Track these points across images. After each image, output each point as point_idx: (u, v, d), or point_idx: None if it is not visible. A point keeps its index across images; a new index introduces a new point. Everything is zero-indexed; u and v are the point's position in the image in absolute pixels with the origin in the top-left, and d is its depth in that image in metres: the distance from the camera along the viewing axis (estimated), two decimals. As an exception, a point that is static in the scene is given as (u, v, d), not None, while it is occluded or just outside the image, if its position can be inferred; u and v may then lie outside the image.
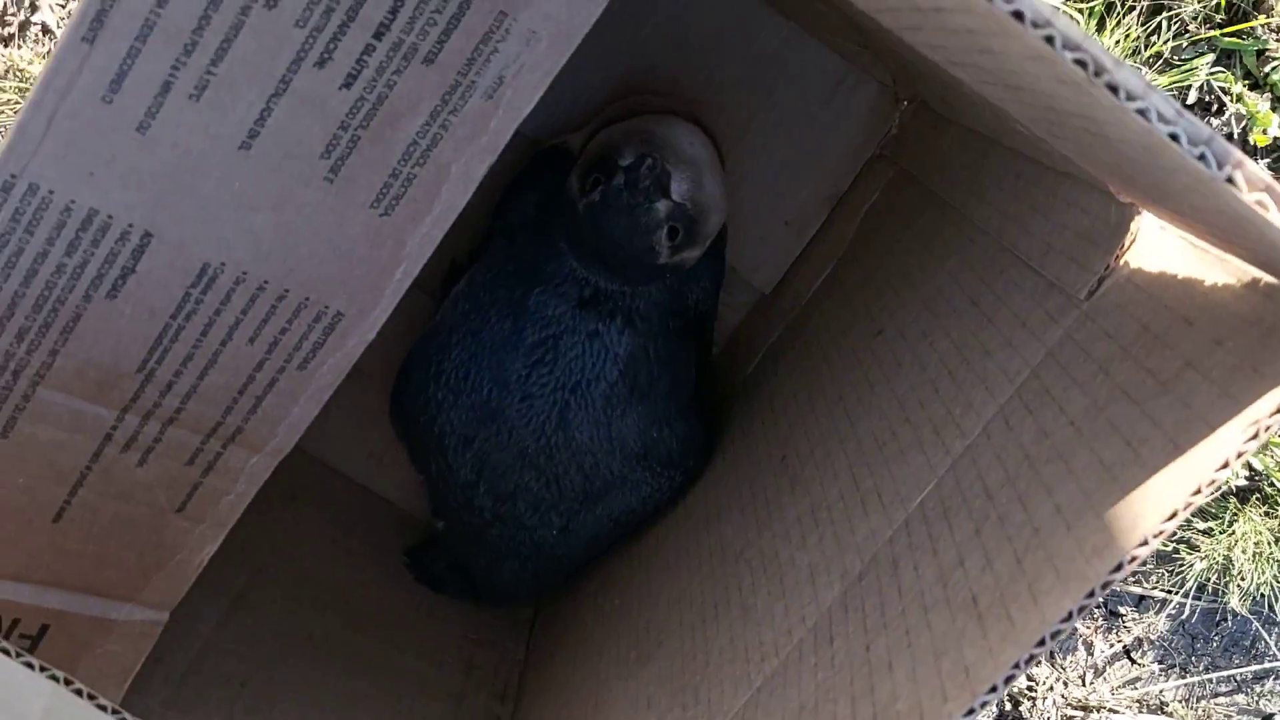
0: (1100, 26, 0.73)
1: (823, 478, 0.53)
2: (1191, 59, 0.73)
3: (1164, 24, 0.72)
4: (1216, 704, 0.89)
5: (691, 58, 0.76)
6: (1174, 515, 0.27)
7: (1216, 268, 0.33)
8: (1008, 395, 0.41)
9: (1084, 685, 0.86)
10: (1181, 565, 0.84)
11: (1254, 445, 0.27)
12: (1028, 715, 0.87)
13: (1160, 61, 0.74)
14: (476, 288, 0.69)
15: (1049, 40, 0.23)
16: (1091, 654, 0.87)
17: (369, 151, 0.44)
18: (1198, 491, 0.27)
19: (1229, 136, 0.74)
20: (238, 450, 0.51)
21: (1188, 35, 0.74)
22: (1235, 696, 0.89)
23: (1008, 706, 0.86)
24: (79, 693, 0.37)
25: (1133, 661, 0.88)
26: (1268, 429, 0.26)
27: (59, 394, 0.46)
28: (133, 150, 0.42)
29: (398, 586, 0.79)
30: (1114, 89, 0.24)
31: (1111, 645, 0.87)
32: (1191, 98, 0.73)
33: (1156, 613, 0.86)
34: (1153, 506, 0.28)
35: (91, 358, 0.46)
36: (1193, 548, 0.82)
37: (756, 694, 0.44)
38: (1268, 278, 0.29)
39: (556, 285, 0.65)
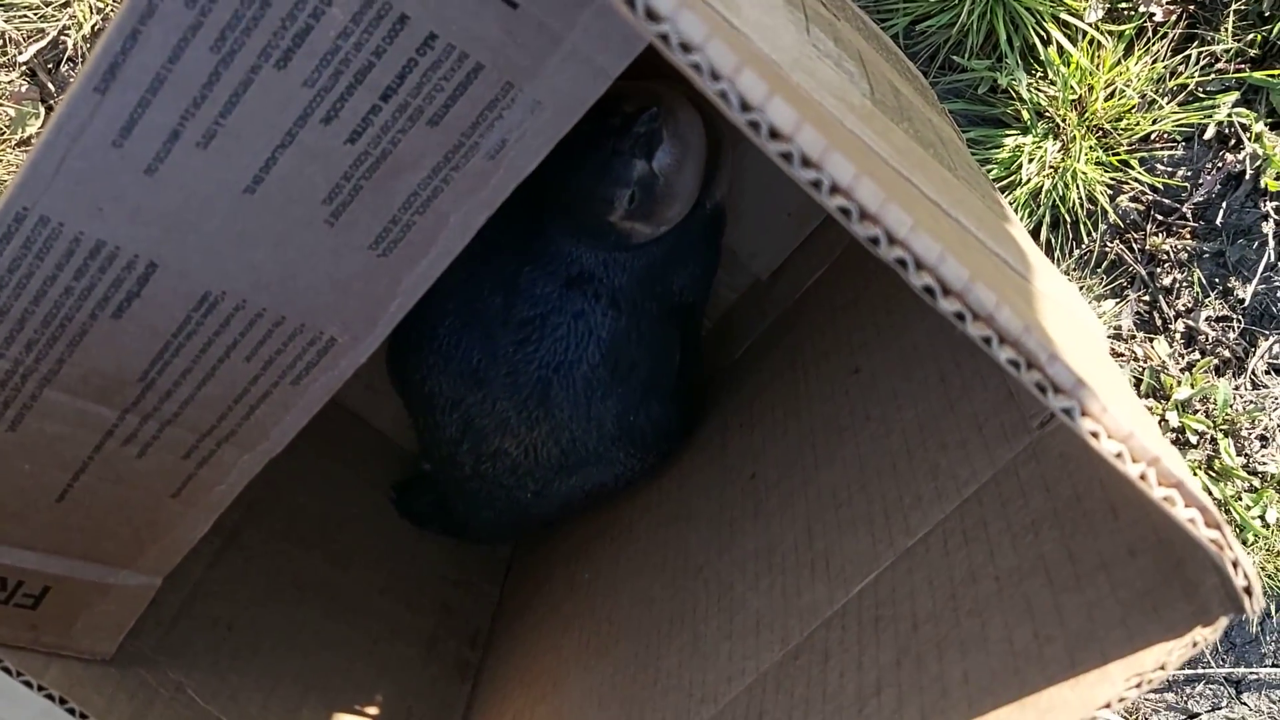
0: (1128, 51, 0.72)
1: (782, 517, 0.56)
2: (1217, 93, 0.72)
3: (1194, 56, 0.71)
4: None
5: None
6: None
7: (1160, 466, 0.35)
8: (953, 506, 0.43)
9: None
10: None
11: (1135, 693, 0.29)
12: None
13: (1184, 93, 0.73)
14: (472, 258, 0.70)
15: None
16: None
17: (370, 199, 0.45)
18: (1081, 728, 0.29)
19: (1240, 175, 0.74)
20: (231, 449, 0.53)
21: (1215, 70, 0.72)
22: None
23: None
24: (71, 711, 0.40)
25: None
26: (1150, 681, 0.29)
27: (64, 395, 0.48)
28: (140, 190, 0.43)
29: (383, 523, 0.83)
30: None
31: None
32: (1210, 132, 0.73)
33: None
34: (1053, 714, 0.31)
35: (96, 367, 0.48)
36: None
37: (690, 738, 0.48)
38: (1203, 543, 0.31)
39: (545, 264, 0.67)
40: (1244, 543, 0.82)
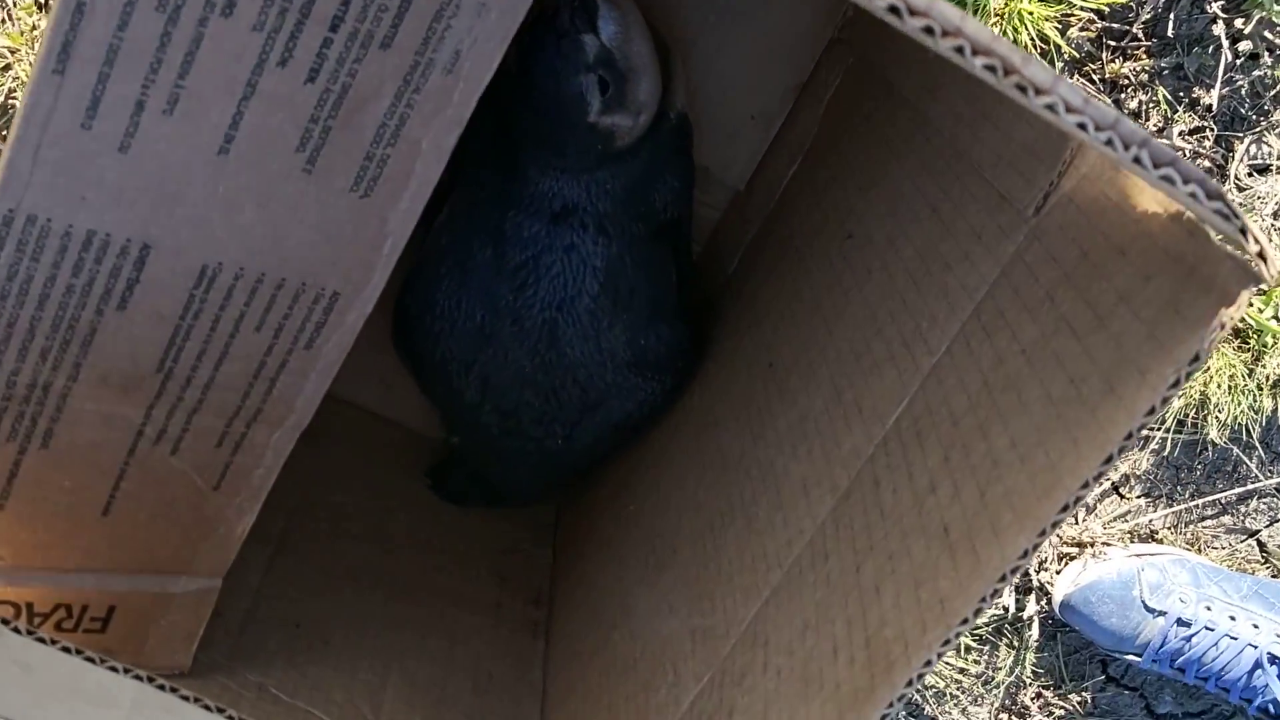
0: None
1: (808, 387, 0.57)
2: None
3: None
4: (1204, 527, 0.94)
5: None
6: (1109, 459, 0.30)
7: (1147, 194, 0.36)
8: (968, 313, 0.44)
9: (1076, 524, 0.92)
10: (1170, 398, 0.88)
11: (1175, 392, 0.29)
12: (1027, 557, 0.92)
13: None
14: (456, 218, 0.71)
15: (959, 51, 0.25)
16: (1083, 495, 0.92)
17: (341, 139, 0.46)
18: (1129, 436, 0.30)
19: None
20: (261, 428, 0.54)
21: None
22: (1221, 518, 0.94)
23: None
24: (161, 687, 0.41)
25: (1121, 496, 0.94)
26: (1187, 375, 0.29)
27: (88, 402, 0.49)
28: (118, 170, 0.43)
29: (425, 508, 0.84)
30: (1022, 88, 0.26)
31: (1100, 483, 0.92)
32: None
33: (1141, 449, 0.90)
34: (1092, 448, 0.31)
35: (113, 365, 0.48)
36: (1172, 387, 0.86)
37: (765, 606, 0.48)
38: (1208, 217, 0.31)
39: (527, 205, 0.67)
40: (1265, 346, 0.83)
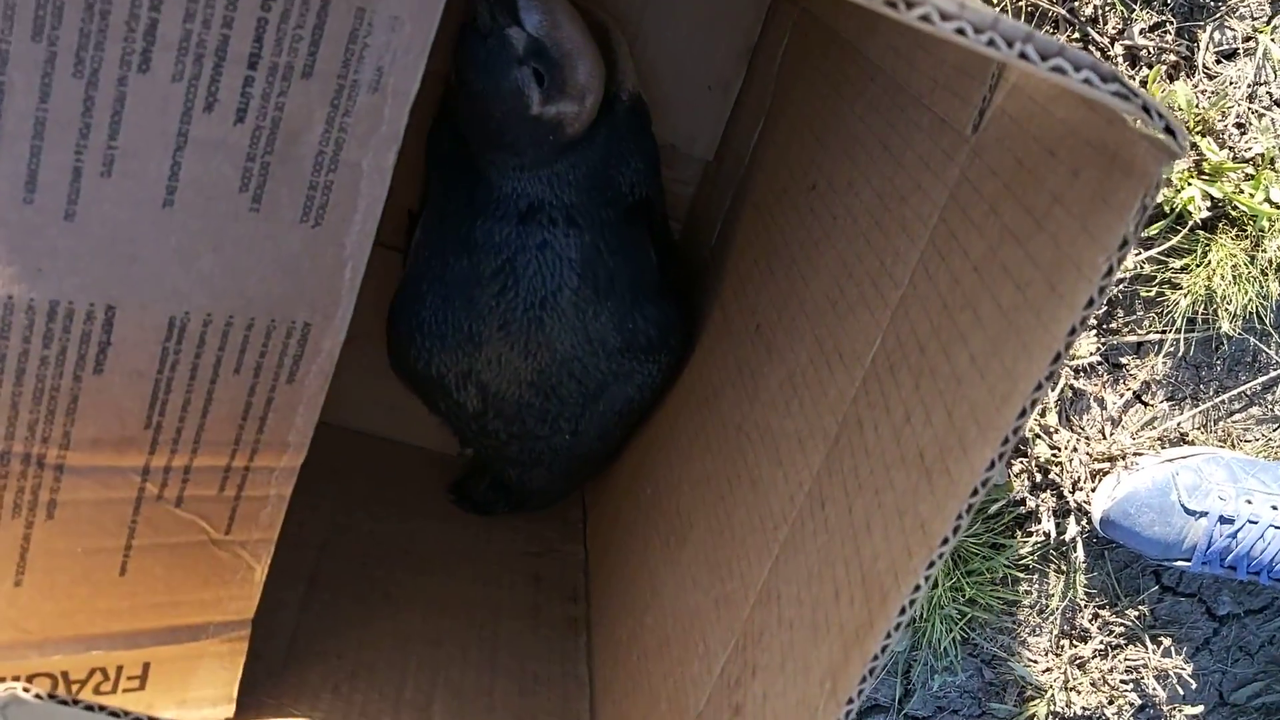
0: None
1: (792, 343, 0.56)
2: None
3: None
4: (1234, 422, 0.93)
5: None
6: (1057, 357, 0.30)
7: (1070, 94, 0.35)
8: (925, 241, 0.44)
9: (1104, 438, 0.90)
10: (1167, 304, 0.87)
11: (1109, 280, 0.29)
12: (1058, 479, 0.91)
13: None
14: (429, 233, 0.72)
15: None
16: (1105, 408, 0.91)
17: (282, 173, 0.46)
18: (1073, 331, 0.30)
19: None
20: (259, 467, 0.54)
21: None
22: (1250, 410, 0.92)
23: (1038, 477, 0.91)
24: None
25: (1145, 404, 0.92)
26: (1119, 261, 0.29)
27: (85, 467, 0.50)
28: (68, 238, 0.44)
29: (451, 525, 0.85)
30: (892, 4, 0.26)
31: (1121, 395, 0.91)
32: None
33: (1156, 354, 0.89)
34: (1041, 350, 0.31)
35: (101, 428, 0.49)
36: (1175, 286, 0.85)
37: (775, 563, 0.48)
38: (1107, 101, 0.31)
39: (493, 210, 0.68)
40: (1262, 231, 0.81)
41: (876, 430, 0.42)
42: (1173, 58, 0.80)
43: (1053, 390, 0.88)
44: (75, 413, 0.48)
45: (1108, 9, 0.78)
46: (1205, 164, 0.79)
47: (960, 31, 0.27)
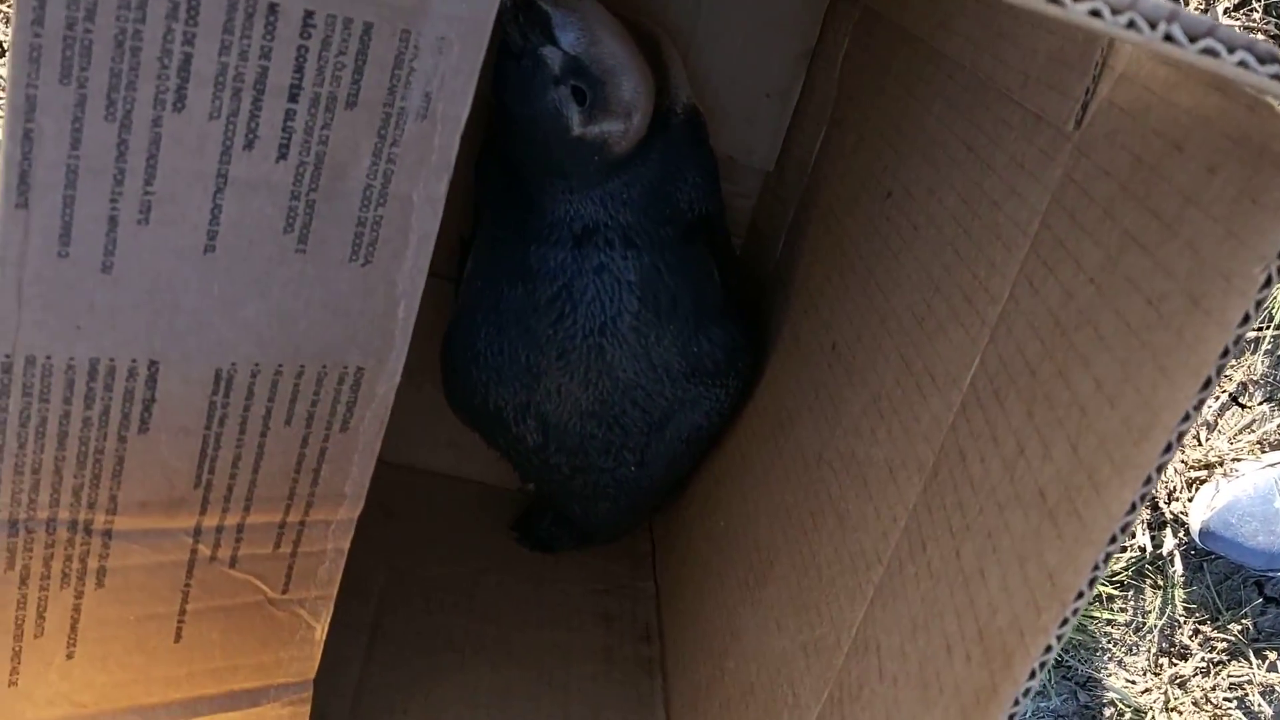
0: None
1: (875, 363, 0.53)
2: None
3: None
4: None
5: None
6: (1208, 383, 0.26)
7: (1192, 79, 0.31)
8: (1025, 250, 0.40)
9: (1200, 444, 0.85)
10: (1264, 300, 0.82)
11: (1268, 292, 0.25)
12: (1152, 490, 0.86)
13: None
14: (481, 262, 0.69)
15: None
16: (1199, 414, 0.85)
17: (328, 211, 0.44)
18: (1225, 353, 0.26)
19: None
20: (315, 521, 0.52)
21: None
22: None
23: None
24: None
25: (1242, 407, 0.87)
26: (1277, 271, 0.25)
27: (134, 532, 0.47)
28: (106, 291, 0.42)
29: (516, 562, 0.81)
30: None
31: (1216, 397, 0.85)
32: None
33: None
34: (1185, 374, 0.27)
35: (149, 490, 0.47)
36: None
37: (871, 607, 0.44)
38: (1248, 86, 0.27)
39: (547, 235, 0.64)
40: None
41: (983, 463, 0.38)
42: (1260, 38, 0.75)
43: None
44: (121, 475, 0.46)
45: (1186, -10, 0.74)
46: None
47: (1095, 14, 0.23)
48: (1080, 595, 0.28)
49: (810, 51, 0.76)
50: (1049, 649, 0.30)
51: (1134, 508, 0.28)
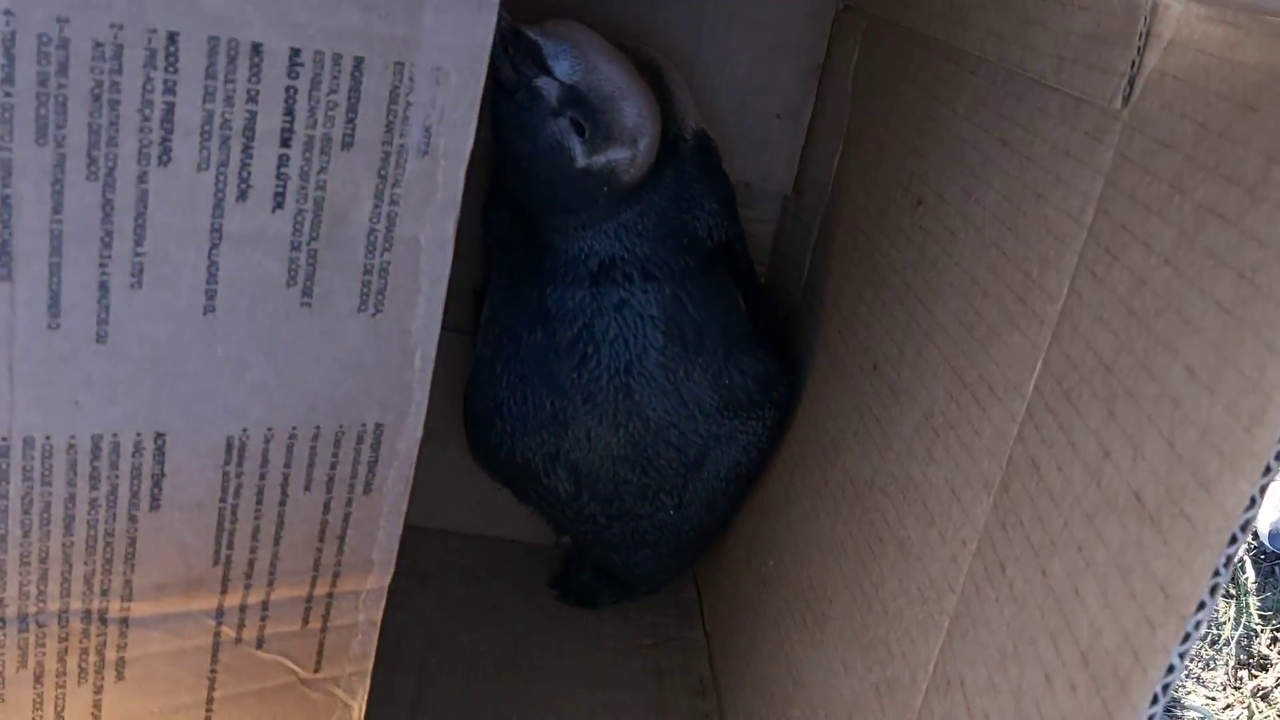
0: None
1: (923, 379, 0.49)
2: None
3: None
4: None
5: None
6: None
7: (1256, 33, 0.29)
8: (1081, 240, 0.37)
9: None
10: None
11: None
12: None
13: None
14: (497, 309, 0.67)
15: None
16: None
17: (331, 260, 0.41)
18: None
19: None
20: (344, 592, 0.49)
21: None
22: None
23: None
24: None
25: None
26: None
27: (152, 618, 0.45)
28: (103, 363, 0.39)
29: (558, 621, 0.78)
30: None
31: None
32: None
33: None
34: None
35: (165, 571, 0.44)
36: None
37: (948, 640, 0.41)
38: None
39: (563, 275, 0.62)
40: None
41: (1061, 471, 0.35)
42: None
43: None
44: (135, 558, 0.43)
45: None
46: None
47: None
48: (1202, 606, 0.25)
49: (820, 67, 0.73)
50: (1171, 669, 0.26)
51: (1253, 502, 0.24)
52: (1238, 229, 0.28)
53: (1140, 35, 0.36)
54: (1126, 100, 0.36)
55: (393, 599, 0.71)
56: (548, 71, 0.56)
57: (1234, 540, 0.25)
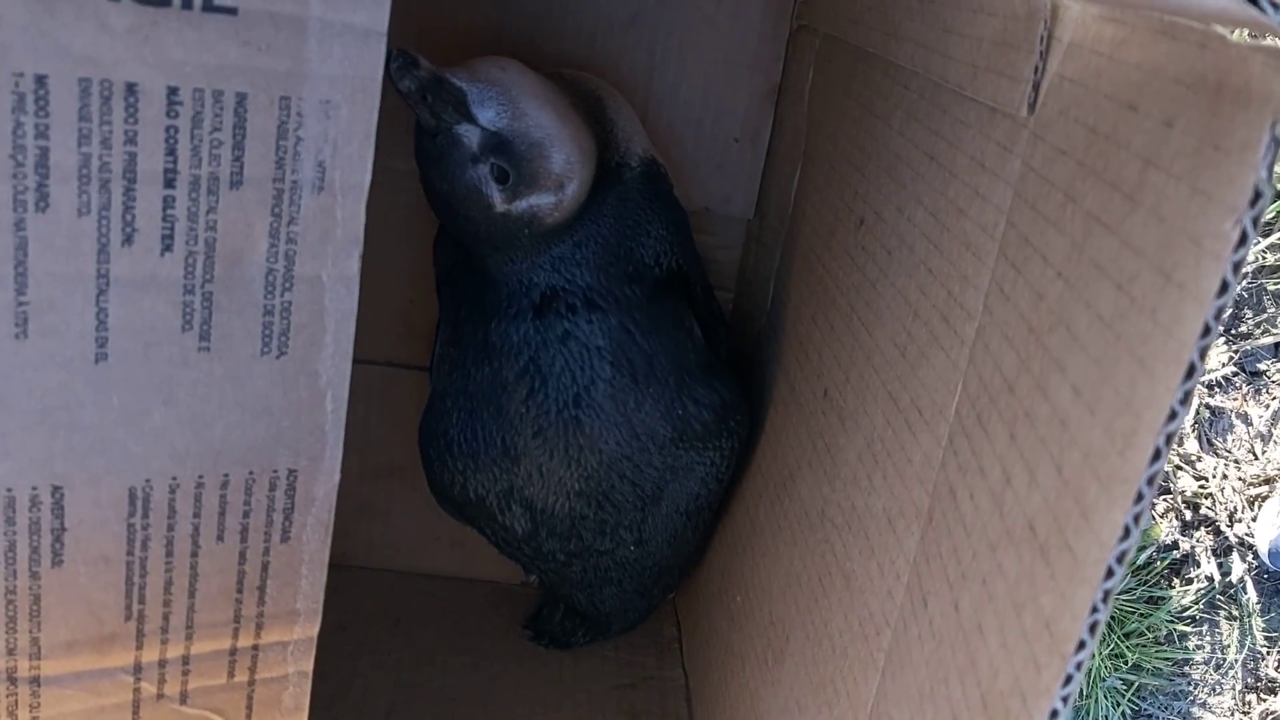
0: None
1: (865, 404, 0.48)
2: None
3: None
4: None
5: (562, 18, 0.70)
6: (1191, 370, 0.21)
7: (1142, 31, 0.27)
8: (994, 256, 0.35)
9: (1256, 458, 0.78)
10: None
11: (1244, 251, 0.20)
12: (1211, 513, 0.79)
13: None
14: (446, 345, 0.66)
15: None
16: (1249, 423, 0.79)
17: (228, 302, 0.40)
18: (1206, 331, 0.21)
19: None
20: (270, 644, 0.47)
21: None
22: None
23: (1187, 515, 0.79)
24: None
25: (1298, 412, 0.80)
26: (1255, 222, 0.20)
27: (65, 676, 0.43)
28: (-6, 417, 0.38)
29: (533, 663, 0.76)
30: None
31: (1267, 406, 0.79)
32: None
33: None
34: (1164, 363, 0.22)
35: (74, 627, 0.42)
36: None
37: (883, 678, 0.39)
38: (1195, 23, 0.23)
39: (505, 308, 0.61)
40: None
41: (973, 499, 0.33)
42: None
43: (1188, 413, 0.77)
44: (40, 615, 0.42)
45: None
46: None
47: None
48: (1082, 646, 0.23)
49: (776, 88, 0.72)
50: (1055, 714, 0.24)
51: (1127, 532, 0.22)
52: (1118, 237, 0.26)
53: (1041, 39, 0.34)
54: (1032, 107, 0.35)
55: (362, 643, 0.69)
56: (470, 118, 0.55)
57: (1110, 574, 0.23)
